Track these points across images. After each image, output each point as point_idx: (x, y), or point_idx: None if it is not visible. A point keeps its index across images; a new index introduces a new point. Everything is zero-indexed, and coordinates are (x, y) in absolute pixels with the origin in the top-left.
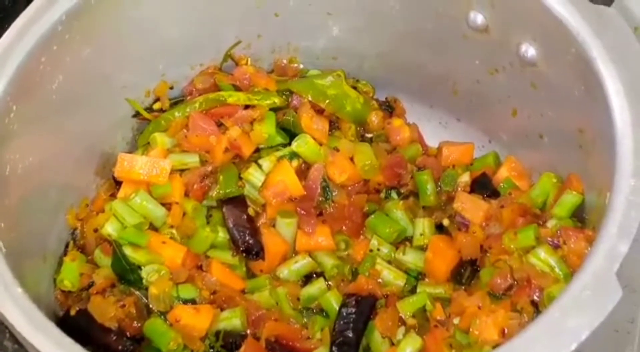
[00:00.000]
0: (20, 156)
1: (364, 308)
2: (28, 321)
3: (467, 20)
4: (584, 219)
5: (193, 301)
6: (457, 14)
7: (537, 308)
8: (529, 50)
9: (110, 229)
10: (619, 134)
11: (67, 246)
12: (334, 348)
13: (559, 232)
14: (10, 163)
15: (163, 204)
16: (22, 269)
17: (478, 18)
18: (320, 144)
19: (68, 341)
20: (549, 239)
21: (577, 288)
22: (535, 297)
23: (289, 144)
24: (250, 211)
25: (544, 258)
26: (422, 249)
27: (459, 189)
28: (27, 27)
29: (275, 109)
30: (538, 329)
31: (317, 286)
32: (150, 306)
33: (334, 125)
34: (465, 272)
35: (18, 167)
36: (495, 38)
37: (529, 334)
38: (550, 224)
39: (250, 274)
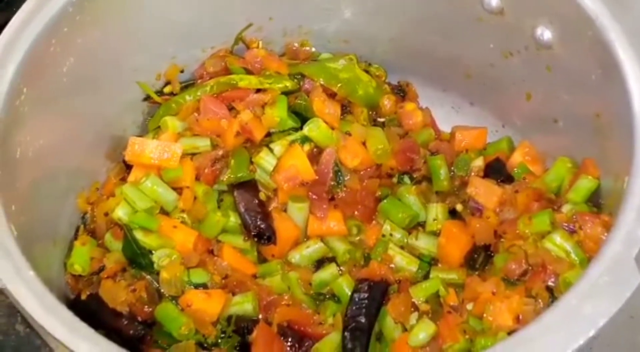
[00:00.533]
0: (30, 139)
1: (376, 293)
2: (40, 304)
3: (482, 2)
4: (600, 204)
5: (204, 286)
6: None
7: (552, 294)
8: (545, 33)
9: (121, 213)
10: (637, 118)
11: (77, 230)
12: (346, 333)
13: (574, 217)
14: (21, 146)
15: (174, 188)
16: (33, 253)
17: (493, 1)
18: (332, 128)
19: (80, 325)
20: (565, 224)
21: (595, 274)
22: (550, 283)
23: (301, 128)
24: (262, 196)
25: (559, 243)
26: (435, 234)
27: (473, 173)
28: (37, 8)
29: (286, 93)
30: (555, 316)
31: (329, 271)
32: (162, 290)
33: (346, 109)
34: (479, 258)
35: (29, 150)
36: (511, 21)
37: (546, 321)
38: (566, 209)
39: (262, 259)
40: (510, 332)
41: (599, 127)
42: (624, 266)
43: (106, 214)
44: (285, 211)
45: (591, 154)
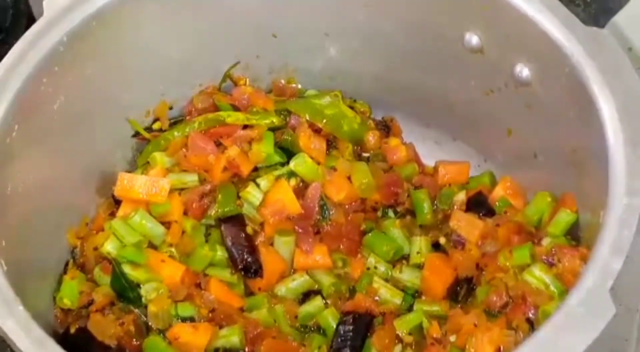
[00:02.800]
0: (21, 175)
1: (361, 326)
2: (30, 339)
3: (463, 41)
4: (579, 237)
5: (192, 319)
6: (453, 35)
7: (532, 326)
8: (524, 71)
9: (109, 247)
10: (612, 154)
11: (66, 264)
12: None
13: (553, 250)
14: (11, 182)
15: (162, 223)
16: (23, 287)
17: (473, 39)
18: (318, 163)
19: None
20: (544, 257)
21: (571, 305)
22: (530, 315)
23: (287, 163)
24: (249, 230)
25: (538, 276)
26: (419, 267)
27: (455, 207)
28: (28, 47)
29: (273, 129)
30: (532, 347)
31: (315, 303)
32: (150, 323)
33: (332, 144)
34: (462, 290)
35: (19, 186)
36: (491, 59)
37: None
38: (545, 242)
39: (249, 292)
40: None
41: (576, 162)
42: (599, 298)
43: (95, 249)
44: (271, 244)
45: (569, 188)
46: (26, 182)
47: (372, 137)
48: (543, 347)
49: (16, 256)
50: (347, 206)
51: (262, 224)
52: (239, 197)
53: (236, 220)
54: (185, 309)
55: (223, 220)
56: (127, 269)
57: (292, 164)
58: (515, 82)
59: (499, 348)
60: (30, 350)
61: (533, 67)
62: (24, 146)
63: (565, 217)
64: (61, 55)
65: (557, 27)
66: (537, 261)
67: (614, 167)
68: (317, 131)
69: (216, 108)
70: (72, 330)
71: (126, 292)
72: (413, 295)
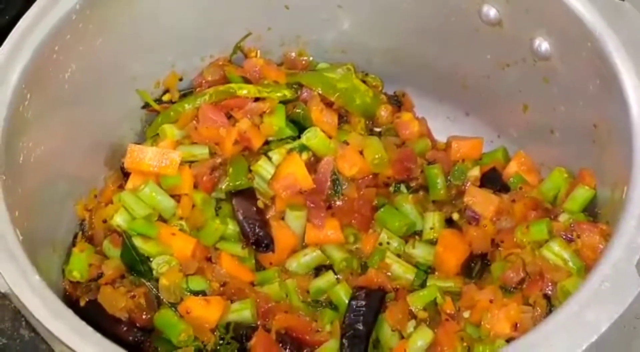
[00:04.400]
0: (33, 145)
1: (373, 301)
2: (47, 309)
3: (480, 14)
4: (596, 213)
5: (203, 293)
6: (470, 7)
7: (549, 302)
8: (543, 45)
9: (119, 220)
10: (636, 128)
11: (75, 236)
12: (344, 341)
13: (572, 226)
14: (24, 151)
15: (172, 196)
16: (35, 259)
17: (491, 12)
18: (330, 137)
19: (88, 329)
20: (562, 233)
21: (596, 281)
22: (548, 291)
23: (299, 137)
24: (260, 204)
25: (557, 251)
26: (432, 243)
27: (469, 183)
28: (41, 15)
29: (285, 102)
30: (557, 322)
31: (327, 278)
32: (161, 297)
33: (343, 118)
34: (476, 266)
35: (31, 156)
36: (508, 32)
37: (548, 328)
38: (563, 218)
39: (260, 267)
40: (508, 340)
41: (597, 138)
42: (625, 273)
43: (104, 221)
44: (283, 219)
45: (588, 164)
46: (37, 152)
47: (384, 112)
48: (568, 323)
49: (28, 227)
50: (359, 181)
51: (273, 198)
52: (250, 171)
53: (247, 194)
54: (197, 283)
55: (234, 193)
56: (137, 242)
57: (304, 138)
58: (533, 56)
59: (516, 324)
60: (48, 321)
61: (553, 41)
62: (36, 115)
63: (583, 193)
64: (74, 24)
65: None
66: (556, 236)
67: (637, 141)
68: (329, 105)
69: (227, 80)
70: (82, 303)
71: (137, 266)
72: (426, 271)
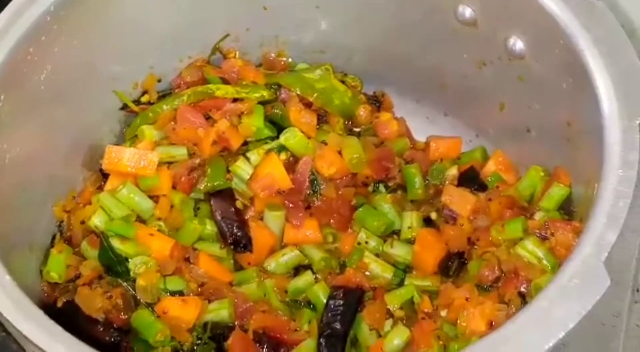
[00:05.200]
0: (7, 146)
1: (351, 300)
2: (17, 309)
3: (456, 13)
4: (572, 211)
5: (180, 293)
6: (446, 7)
7: (524, 299)
8: (517, 44)
9: (97, 220)
10: (607, 126)
11: (53, 237)
12: (321, 340)
13: (546, 224)
14: None
15: (150, 197)
16: (10, 260)
17: (466, 11)
18: (309, 138)
19: (58, 329)
20: (537, 231)
21: (565, 277)
22: (522, 289)
23: (277, 137)
24: (238, 204)
25: (531, 249)
26: (410, 242)
27: (447, 182)
28: (15, 17)
29: (263, 103)
30: (526, 318)
31: (305, 278)
32: (138, 297)
33: (322, 119)
34: (453, 265)
35: (6, 158)
36: (484, 31)
37: (517, 323)
38: (538, 216)
39: (238, 267)
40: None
41: (570, 136)
42: (593, 270)
43: (82, 222)
44: (261, 219)
45: (563, 162)
46: (12, 153)
47: (363, 112)
48: (537, 319)
49: (3, 228)
50: (337, 181)
51: (251, 199)
52: (228, 171)
53: (226, 194)
54: (174, 283)
55: (212, 194)
56: (115, 242)
57: (283, 138)
58: (508, 55)
59: (491, 322)
60: (18, 321)
61: (527, 40)
62: (10, 116)
63: (558, 192)
64: (48, 25)
65: None
66: (530, 234)
67: (608, 139)
68: (307, 105)
69: (205, 81)
70: (59, 304)
71: (114, 266)
72: (404, 270)
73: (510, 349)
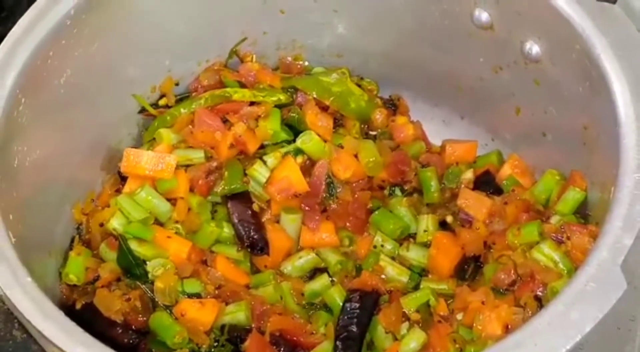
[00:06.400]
0: (28, 149)
1: (367, 303)
2: (38, 310)
3: (472, 17)
4: (587, 215)
5: (198, 295)
6: (462, 11)
7: (540, 303)
8: (534, 48)
9: (115, 223)
10: (623, 129)
11: (72, 240)
12: (338, 343)
13: (562, 227)
14: (18, 155)
15: (168, 200)
16: (30, 262)
17: (483, 16)
18: (325, 141)
19: (77, 330)
20: (553, 234)
21: (582, 281)
22: (538, 293)
23: (294, 140)
24: (255, 207)
25: (547, 253)
26: (426, 245)
27: (463, 186)
28: (36, 20)
29: (280, 106)
30: (542, 322)
31: (321, 281)
32: (156, 299)
33: (338, 122)
34: (469, 269)
35: (26, 160)
36: (500, 36)
37: (533, 327)
38: (554, 220)
39: (255, 270)
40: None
41: (587, 140)
42: (610, 274)
43: (101, 225)
44: (278, 222)
45: (579, 166)
46: (32, 156)
47: (379, 115)
48: (553, 322)
49: (23, 230)
50: (354, 184)
51: (268, 202)
52: (245, 175)
53: (242, 197)
54: (192, 286)
55: (229, 197)
56: (133, 245)
57: (299, 142)
58: (524, 59)
59: (507, 326)
60: (38, 322)
61: (543, 44)
62: (31, 120)
63: (574, 196)
64: (68, 29)
65: (567, 2)
66: (546, 238)
67: (625, 143)
68: (324, 109)
69: (222, 85)
70: (78, 306)
71: (132, 269)
72: (420, 273)
73: None
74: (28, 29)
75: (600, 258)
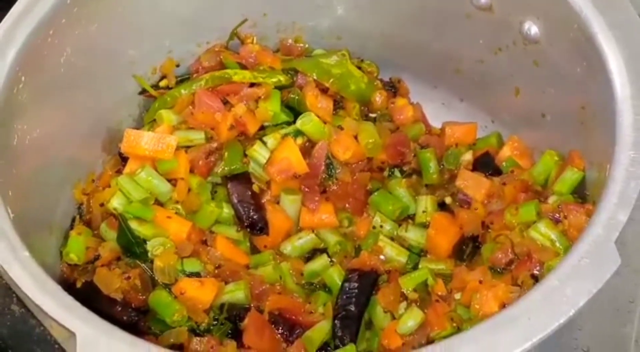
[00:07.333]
0: (28, 127)
1: (366, 283)
2: (35, 284)
3: None
4: (585, 195)
5: (197, 275)
6: None
7: (537, 282)
8: (532, 28)
9: (116, 203)
10: (619, 108)
11: (73, 220)
12: (336, 322)
13: (559, 207)
14: (18, 133)
15: (168, 180)
16: (30, 240)
17: None
18: (325, 122)
19: (75, 304)
20: (550, 214)
21: (576, 257)
22: (535, 271)
23: (294, 122)
24: (255, 188)
25: (544, 232)
26: (425, 226)
27: (462, 167)
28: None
29: (280, 88)
30: (537, 296)
31: (320, 261)
32: (155, 278)
33: (338, 104)
34: (467, 249)
35: (26, 139)
36: (499, 17)
37: (528, 301)
38: (552, 200)
39: (254, 250)
40: None
41: (584, 119)
42: (604, 249)
43: (102, 205)
44: (277, 202)
45: (577, 146)
46: (32, 135)
47: (379, 97)
48: (548, 297)
49: (23, 208)
50: (353, 165)
51: (268, 183)
52: (245, 156)
53: (242, 178)
54: (192, 265)
55: (229, 178)
56: (133, 224)
57: (299, 123)
58: (523, 40)
59: (504, 304)
60: (36, 295)
61: (541, 24)
62: (31, 98)
63: (572, 175)
64: (68, 8)
65: None
66: (543, 217)
67: (621, 122)
68: (324, 90)
69: (223, 66)
70: (79, 284)
71: (132, 248)
72: (418, 254)
73: (521, 326)
74: (28, 7)
75: (594, 234)
